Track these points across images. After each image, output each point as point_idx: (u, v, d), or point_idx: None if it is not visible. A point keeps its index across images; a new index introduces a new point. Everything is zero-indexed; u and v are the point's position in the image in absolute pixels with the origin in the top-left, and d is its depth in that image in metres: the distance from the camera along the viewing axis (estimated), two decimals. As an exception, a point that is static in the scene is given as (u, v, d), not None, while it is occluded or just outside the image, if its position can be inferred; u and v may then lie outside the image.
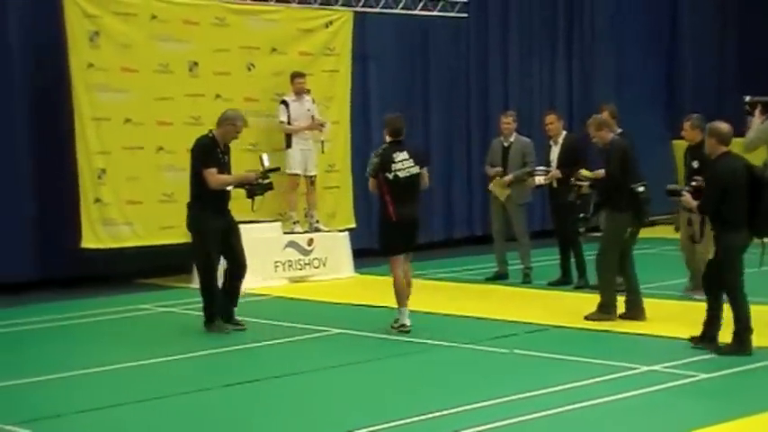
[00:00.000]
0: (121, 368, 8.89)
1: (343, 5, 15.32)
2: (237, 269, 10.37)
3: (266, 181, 10.45)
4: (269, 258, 13.34)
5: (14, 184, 12.84)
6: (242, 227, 13.03)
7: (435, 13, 16.69)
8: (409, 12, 16.32)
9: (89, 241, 12.76)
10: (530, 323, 10.38)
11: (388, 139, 10.21)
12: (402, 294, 10.08)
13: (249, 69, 14.08)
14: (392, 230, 10.01)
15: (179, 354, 9.38)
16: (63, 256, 12.99)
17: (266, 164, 10.52)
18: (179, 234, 13.06)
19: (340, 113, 14.85)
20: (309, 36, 14.65)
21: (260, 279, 13.07)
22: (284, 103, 13.83)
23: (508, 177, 13.17)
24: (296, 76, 13.89)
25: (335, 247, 13.88)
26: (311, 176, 14.04)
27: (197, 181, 10.15)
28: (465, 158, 17.43)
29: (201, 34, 13.67)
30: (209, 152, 10.18)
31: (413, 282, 10.34)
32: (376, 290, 12.16)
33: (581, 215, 11.20)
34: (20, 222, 12.86)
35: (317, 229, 14.04)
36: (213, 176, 10.09)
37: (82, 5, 12.71)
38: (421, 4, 16.48)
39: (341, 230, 14.24)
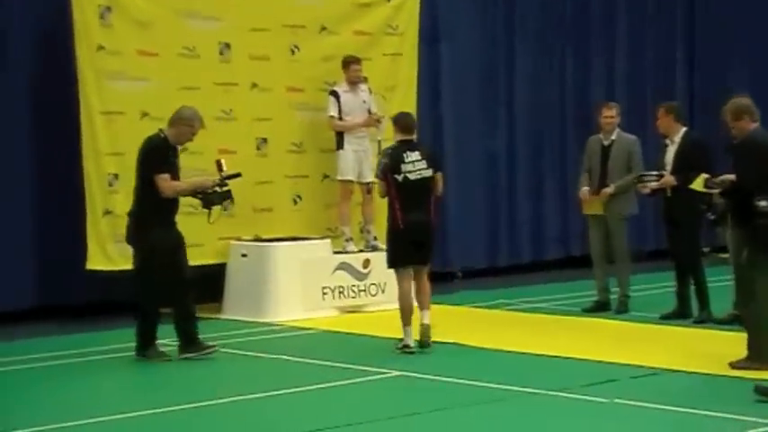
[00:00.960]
0: (132, 418, 8.86)
1: (408, -27, 15.31)
2: (187, 288, 10.88)
3: (225, 189, 10.96)
4: (315, 284, 13.34)
5: (9, 194, 12.95)
6: (285, 245, 13.38)
7: (523, -18, 16.74)
8: (490, -20, 16.42)
9: (97, 262, 12.81)
10: (636, 366, 10.24)
11: (397, 137, 11.16)
12: (407, 312, 11.02)
13: (293, 53, 14.15)
14: (397, 240, 10.99)
15: (205, 400, 9.35)
16: (68, 280, 13.09)
17: (225, 169, 10.98)
18: (209, 253, 13.41)
19: (404, 106, 14.45)
20: (367, 12, 14.68)
21: (304, 309, 13.13)
22: (335, 94, 13.85)
23: (608, 189, 13.00)
24: (350, 61, 13.90)
25: (397, 270, 13.83)
26: (368, 183, 13.96)
27: (145, 187, 10.66)
28: (558, 162, 17.35)
29: (235, 10, 13.74)
30: (162, 155, 10.69)
31: (432, 307, 11.22)
32: (446, 323, 12.10)
33: (709, 215, 10.90)
34: (15, 240, 12.96)
35: (375, 248, 13.94)
36: (167, 183, 10.59)
37: (90, -25, 12.85)
38: (505, -29, 16.55)
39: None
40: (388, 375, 10.13)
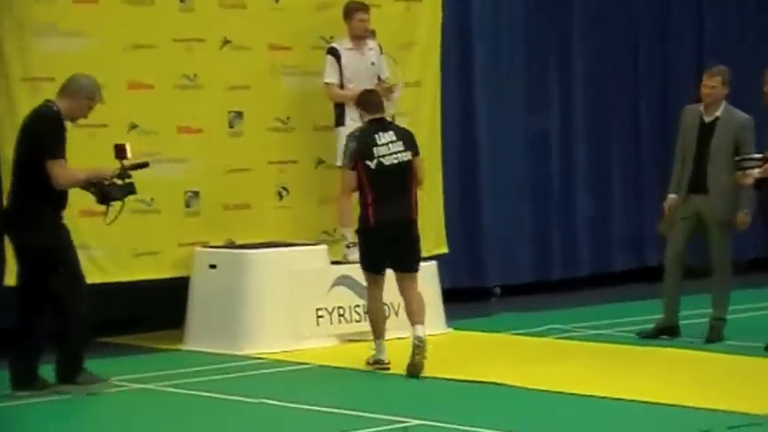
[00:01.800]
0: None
1: None
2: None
3: (127, 181, 11.14)
4: (308, 303, 13.32)
5: None
6: (267, 252, 13.53)
7: None
8: None
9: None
10: (734, 413, 10.12)
11: (365, 118, 11.96)
12: (378, 324, 12.02)
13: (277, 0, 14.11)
14: (368, 239, 11.87)
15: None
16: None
17: (129, 156, 11.16)
18: (166, 264, 13.56)
19: (424, 70, 14.88)
20: (375, -55, 14.84)
21: (292, 337, 13.13)
22: (334, 53, 13.84)
23: (744, 215, 12.90)
24: (354, 8, 13.92)
25: (415, 285, 13.70)
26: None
27: (32, 173, 10.90)
28: (629, 144, 17.51)
29: (200, -58, 13.91)
30: (58, 135, 10.97)
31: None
32: (479, 354, 12.30)
33: None
34: None
35: (385, 257, 13.84)
36: (63, 170, 10.90)
37: None
38: None
39: (424, 259, 13.83)
40: (405, 424, 10.07)
